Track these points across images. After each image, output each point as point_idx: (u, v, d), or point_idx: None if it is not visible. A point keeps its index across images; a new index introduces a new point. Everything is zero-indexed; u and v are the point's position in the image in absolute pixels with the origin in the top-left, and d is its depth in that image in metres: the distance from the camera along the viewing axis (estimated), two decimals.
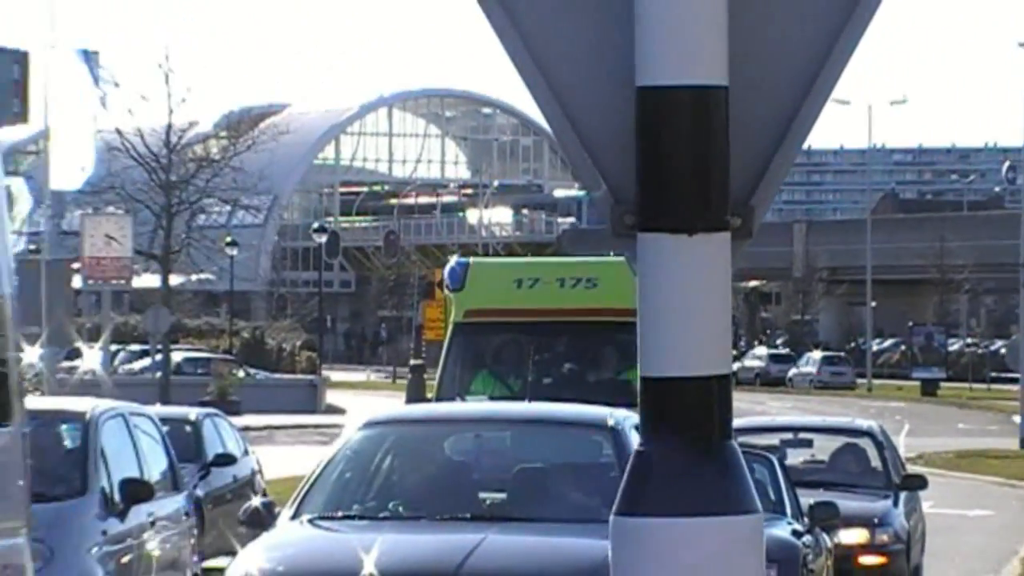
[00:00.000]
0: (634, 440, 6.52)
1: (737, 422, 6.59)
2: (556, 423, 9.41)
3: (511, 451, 9.33)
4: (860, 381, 63.28)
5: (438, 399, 14.45)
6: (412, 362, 18.24)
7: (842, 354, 67.67)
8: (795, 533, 10.50)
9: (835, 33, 2.24)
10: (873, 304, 64.36)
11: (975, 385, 61.61)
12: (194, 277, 51.14)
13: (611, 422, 8.66)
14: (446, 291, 16.35)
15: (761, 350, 70.47)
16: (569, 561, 7.51)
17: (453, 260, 16.23)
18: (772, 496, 10.91)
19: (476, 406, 10.97)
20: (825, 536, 11.66)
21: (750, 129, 2.24)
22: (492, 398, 14.21)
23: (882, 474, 14.62)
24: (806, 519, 11.23)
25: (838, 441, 15.65)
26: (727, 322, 2.22)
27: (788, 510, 10.98)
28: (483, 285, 15.49)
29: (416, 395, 15.66)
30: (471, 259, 16.69)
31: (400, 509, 8.45)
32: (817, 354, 66.15)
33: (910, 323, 67.37)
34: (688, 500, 2.11)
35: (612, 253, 15.08)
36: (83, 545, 10.11)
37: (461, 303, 15.31)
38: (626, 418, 8.54)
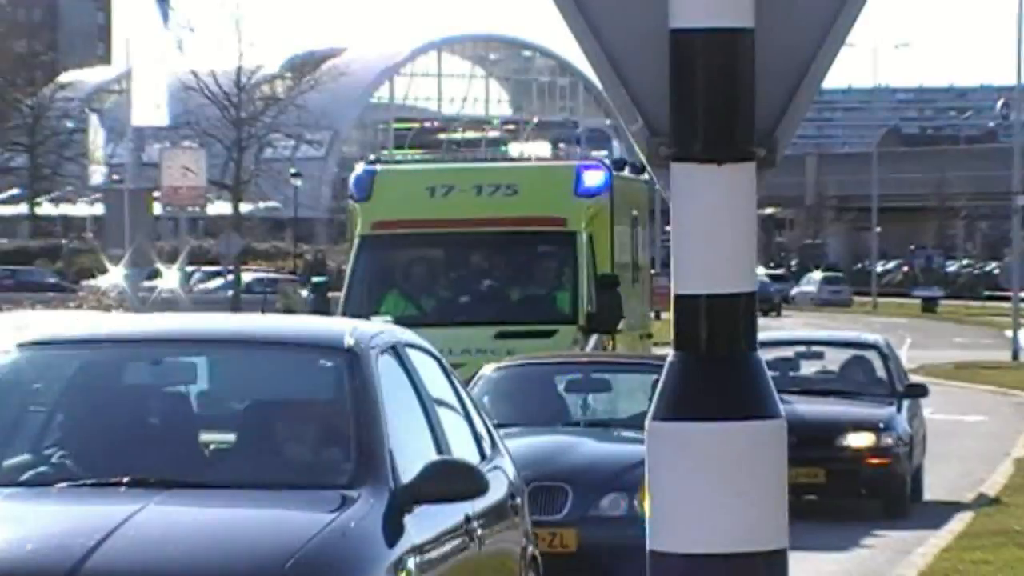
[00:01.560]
0: (383, 369, 5.37)
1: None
2: (266, 343, 6.02)
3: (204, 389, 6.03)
4: (864, 299, 66.91)
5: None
6: (314, 279, 15.42)
7: (840, 274, 71.47)
8: None
9: None
10: (878, 230, 68.21)
11: (971, 303, 65.90)
12: (262, 205, 57.81)
13: (349, 342, 5.60)
14: (350, 202, 14.57)
15: (760, 270, 72.56)
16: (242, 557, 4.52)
17: (359, 167, 14.66)
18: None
19: (162, 322, 7.35)
20: None
21: (774, 68, 2.44)
22: (399, 321, 11.50)
23: (887, 383, 15.51)
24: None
25: (847, 353, 16.50)
26: (753, 244, 2.43)
27: None
28: (392, 194, 14.08)
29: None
30: (378, 166, 14.81)
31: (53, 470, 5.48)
32: (817, 274, 70.17)
33: (912, 247, 74.92)
34: (718, 405, 2.34)
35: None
36: None
37: (367, 214, 13.85)
38: (375, 336, 5.86)
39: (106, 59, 67.67)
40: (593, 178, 13.61)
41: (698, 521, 2.34)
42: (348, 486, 4.82)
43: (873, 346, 16.38)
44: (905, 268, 75.30)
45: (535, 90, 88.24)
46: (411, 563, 4.77)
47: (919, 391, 15.94)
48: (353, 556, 4.57)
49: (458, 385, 6.48)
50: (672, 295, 2.40)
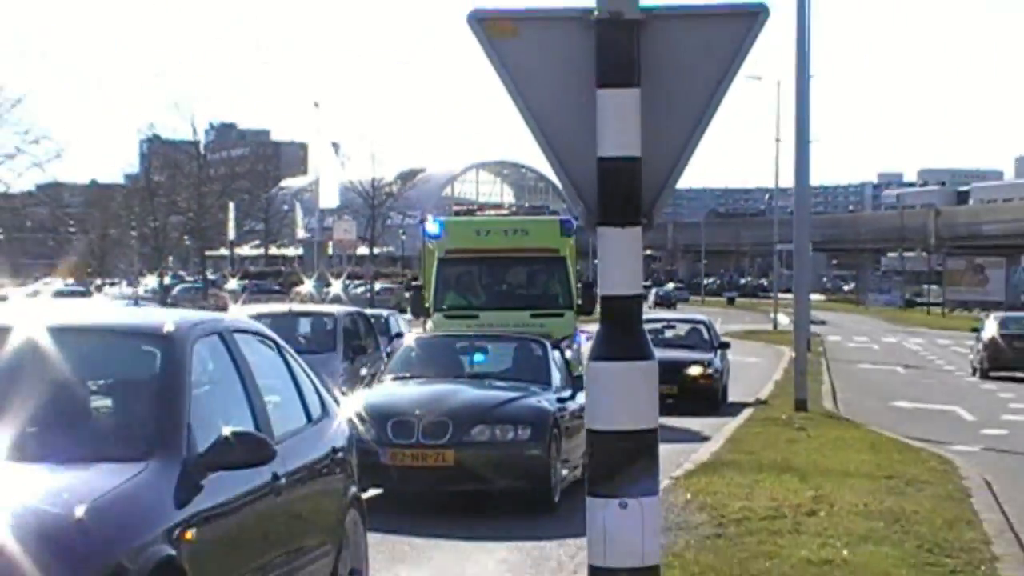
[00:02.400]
0: (203, 353, 6.00)
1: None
2: (98, 331, 6.39)
3: None
4: (696, 298, 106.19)
5: (435, 308, 20.22)
6: (412, 284, 24.77)
7: (683, 284, 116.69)
8: (559, 400, 13.38)
9: (690, 132, 4.62)
10: (705, 262, 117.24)
11: (753, 300, 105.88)
12: (385, 248, 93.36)
13: (168, 329, 5.99)
14: (428, 240, 21.77)
15: (670, 285, 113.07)
16: None
17: (431, 219, 21.86)
18: (543, 372, 14.16)
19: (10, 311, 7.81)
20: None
21: (650, 177, 4.59)
22: (456, 309, 20.16)
23: (709, 341, 26.08)
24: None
25: (689, 326, 28.00)
26: (640, 270, 4.61)
27: (555, 382, 13.89)
28: (455, 234, 21.30)
29: (417, 307, 22.10)
30: (446, 218, 22.68)
31: None
32: (670, 284, 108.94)
33: (722, 270, 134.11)
34: (623, 352, 4.51)
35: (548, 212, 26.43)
36: None
37: (442, 246, 21.08)
38: (198, 324, 6.28)
39: (305, 172, 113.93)
40: (569, 226, 20.16)
41: (614, 410, 4.53)
42: (143, 458, 5.17)
43: (703, 322, 28.04)
44: (718, 282, 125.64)
45: (527, 190, 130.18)
46: (199, 522, 5.18)
47: (726, 345, 26.58)
48: (134, 517, 4.88)
49: (293, 363, 7.14)
50: (600, 295, 4.59)
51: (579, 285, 20.66)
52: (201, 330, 6.12)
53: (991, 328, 35.44)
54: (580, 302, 20.31)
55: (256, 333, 6.98)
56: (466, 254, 21.07)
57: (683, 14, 4.65)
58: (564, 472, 12.93)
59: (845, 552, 9.47)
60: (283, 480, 6.00)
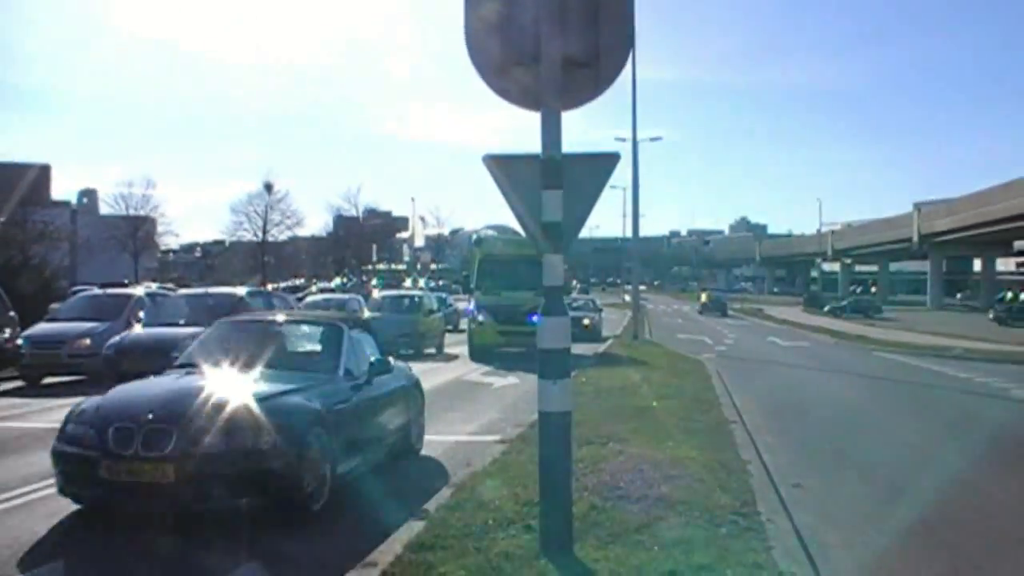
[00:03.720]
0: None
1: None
2: None
3: None
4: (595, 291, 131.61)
5: (477, 288, 37.51)
6: (464, 275, 44.22)
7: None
8: (350, 389, 12.83)
9: (586, 210, 9.79)
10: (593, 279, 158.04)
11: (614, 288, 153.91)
12: (442, 264, 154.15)
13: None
14: (473, 248, 39.15)
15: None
16: None
17: (475, 235, 38.96)
18: (332, 359, 13.18)
19: None
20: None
21: (566, 230, 9.75)
22: (486, 288, 37.15)
23: (595, 308, 61.21)
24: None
25: (584, 299, 65.98)
26: (562, 274, 9.76)
27: (343, 369, 13.01)
28: (488, 245, 37.92)
29: (467, 288, 39.59)
30: (483, 235, 39.30)
31: None
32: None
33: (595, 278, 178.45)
34: (556, 312, 9.65)
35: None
36: None
37: (481, 252, 37.97)
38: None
39: (407, 229, 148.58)
40: None
41: (554, 338, 9.64)
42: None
43: (592, 299, 64.88)
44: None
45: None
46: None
47: (600, 309, 59.66)
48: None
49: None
50: (544, 285, 9.74)
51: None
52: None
53: (703, 296, 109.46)
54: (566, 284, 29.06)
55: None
56: (495, 257, 37.18)
57: (582, 156, 9.75)
58: (346, 468, 11.93)
59: (654, 403, 20.42)
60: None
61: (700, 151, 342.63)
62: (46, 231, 64.51)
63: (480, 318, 36.71)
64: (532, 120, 9.11)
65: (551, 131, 9.17)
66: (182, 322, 24.76)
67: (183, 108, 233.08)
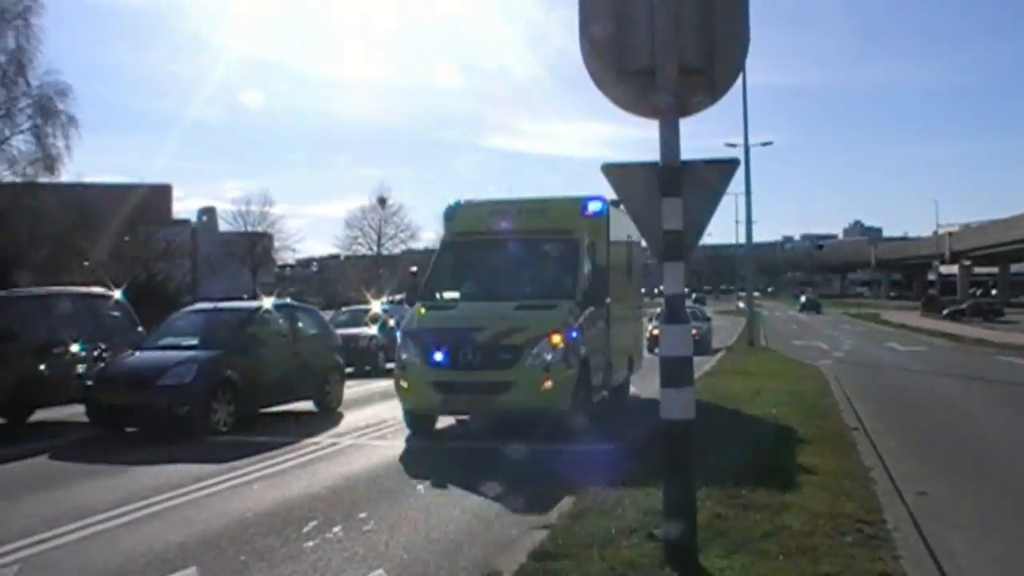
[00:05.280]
0: None
1: None
2: None
3: None
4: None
5: (418, 296, 19.15)
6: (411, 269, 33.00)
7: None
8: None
9: (706, 218, 9.77)
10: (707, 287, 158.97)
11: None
12: None
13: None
14: (445, 224, 20.62)
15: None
16: None
17: (452, 201, 20.76)
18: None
19: None
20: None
21: (687, 239, 9.72)
22: (430, 298, 18.94)
23: (703, 316, 56.27)
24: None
25: (692, 308, 54.24)
26: (683, 282, 9.75)
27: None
28: (465, 217, 20.12)
29: (410, 296, 20.97)
30: (462, 200, 20.86)
31: None
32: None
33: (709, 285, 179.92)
34: (676, 319, 9.66)
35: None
36: None
37: (452, 228, 20.22)
38: None
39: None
40: (593, 206, 19.57)
41: (675, 345, 9.63)
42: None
43: (698, 308, 62.41)
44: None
45: None
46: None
47: (709, 319, 56.30)
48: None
49: None
50: (665, 293, 9.72)
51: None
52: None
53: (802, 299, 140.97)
54: (587, 290, 18.71)
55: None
56: (473, 236, 19.66)
57: (701, 162, 9.75)
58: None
59: (773, 410, 20.77)
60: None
61: (811, 155, 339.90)
62: (169, 248, 66.52)
63: (405, 357, 18.31)
64: (648, 129, 9.11)
65: (669, 138, 9.17)
66: (185, 343, 21.49)
67: (299, 127, 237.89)
